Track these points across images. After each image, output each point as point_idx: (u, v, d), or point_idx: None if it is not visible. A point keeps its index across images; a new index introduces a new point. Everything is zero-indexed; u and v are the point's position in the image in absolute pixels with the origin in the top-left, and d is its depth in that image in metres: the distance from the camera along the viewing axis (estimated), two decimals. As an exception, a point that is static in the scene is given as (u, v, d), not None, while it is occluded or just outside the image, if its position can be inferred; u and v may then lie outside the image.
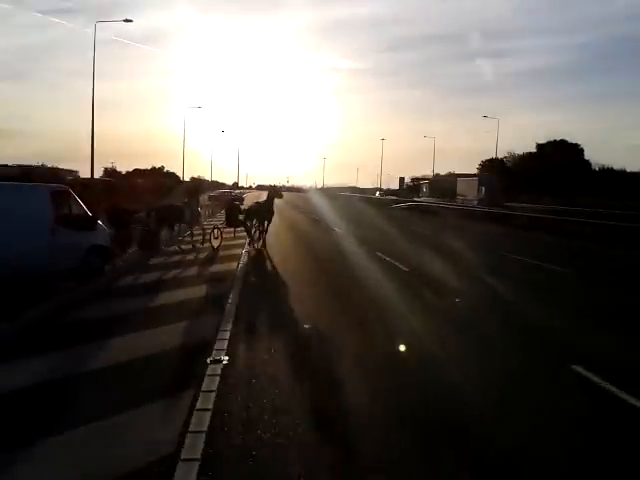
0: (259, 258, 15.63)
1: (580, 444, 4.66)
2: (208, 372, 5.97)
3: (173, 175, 79.58)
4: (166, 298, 10.07)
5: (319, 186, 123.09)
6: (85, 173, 63.51)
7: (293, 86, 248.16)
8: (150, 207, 17.39)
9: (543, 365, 6.73)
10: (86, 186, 31.02)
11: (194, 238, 18.14)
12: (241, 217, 18.19)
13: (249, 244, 17.57)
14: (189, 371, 6.05)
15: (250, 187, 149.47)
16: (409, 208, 49.56)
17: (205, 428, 4.62)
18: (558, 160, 69.10)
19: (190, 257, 15.65)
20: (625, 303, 10.96)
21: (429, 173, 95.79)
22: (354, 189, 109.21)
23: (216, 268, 13.86)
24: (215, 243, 17.23)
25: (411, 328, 8.26)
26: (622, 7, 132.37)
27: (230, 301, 9.65)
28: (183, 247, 17.22)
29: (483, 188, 57.62)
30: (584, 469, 4.29)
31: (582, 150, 79.03)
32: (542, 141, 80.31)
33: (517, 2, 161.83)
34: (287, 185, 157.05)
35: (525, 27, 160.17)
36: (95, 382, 5.79)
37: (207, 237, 17.53)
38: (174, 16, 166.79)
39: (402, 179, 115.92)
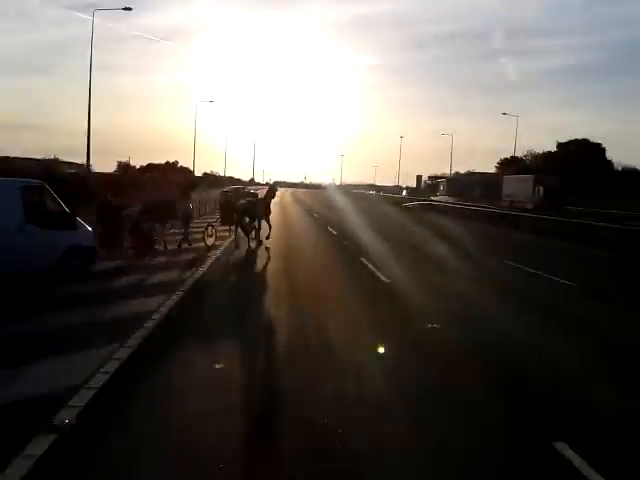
0: (240, 262, 14.57)
1: None
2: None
3: (186, 170, 79.18)
4: (86, 315, 7.96)
5: (337, 183, 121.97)
6: (100, 167, 63.82)
7: (312, 82, 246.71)
8: (141, 203, 16.27)
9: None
10: (84, 181, 30.94)
11: (189, 237, 17.13)
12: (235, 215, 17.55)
13: (234, 241, 17.06)
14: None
15: (267, 183, 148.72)
16: (422, 208, 48.07)
17: None
18: (580, 159, 67.37)
19: (164, 259, 13.97)
20: None
21: (447, 171, 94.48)
22: (372, 187, 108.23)
23: (171, 275, 11.76)
24: (209, 241, 16.57)
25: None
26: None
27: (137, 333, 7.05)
28: (169, 247, 15.74)
29: (541, 188, 50.09)
30: None
31: (604, 150, 77.19)
32: (563, 140, 78.72)
33: (540, 0, 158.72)
34: (305, 182, 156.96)
35: (548, 26, 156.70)
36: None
37: (192, 236, 16.57)
38: (196, 11, 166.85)
39: (419, 177, 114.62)
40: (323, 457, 4.30)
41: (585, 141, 76.37)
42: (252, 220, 17.26)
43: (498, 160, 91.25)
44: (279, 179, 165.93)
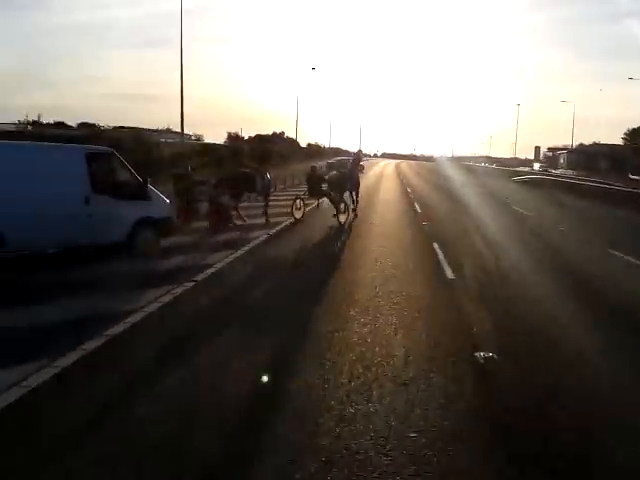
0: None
1: None
2: None
3: (293, 141, 79.72)
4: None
5: (448, 155, 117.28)
6: (212, 138, 65.81)
7: (422, 51, 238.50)
8: (216, 176, 15.63)
9: None
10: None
11: (267, 210, 16.03)
12: (324, 187, 16.64)
13: (334, 216, 15.98)
14: None
15: (375, 155, 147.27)
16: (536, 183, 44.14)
17: None
18: None
19: (236, 234, 13.06)
20: None
21: (568, 142, 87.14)
22: (488, 159, 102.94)
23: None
24: (297, 214, 16.04)
25: None
26: None
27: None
28: (237, 222, 14.74)
29: None
30: None
31: None
32: None
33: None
34: (415, 154, 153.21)
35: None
36: None
37: (268, 211, 15.71)
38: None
39: (537, 148, 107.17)
40: None
41: None
42: (341, 193, 16.48)
43: (625, 130, 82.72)
44: (387, 151, 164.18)
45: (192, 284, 8.30)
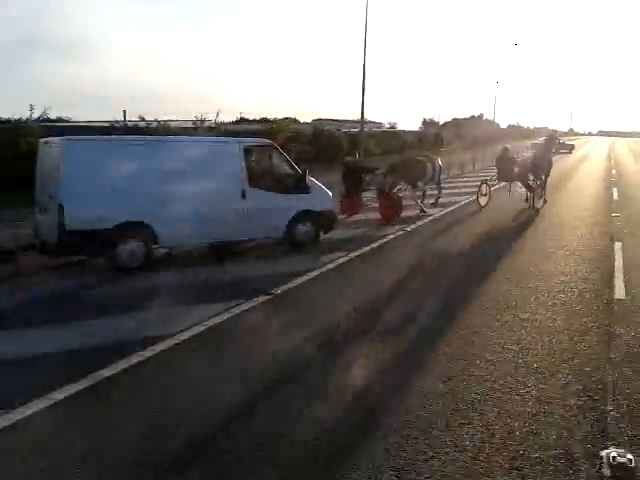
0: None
1: None
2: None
3: (492, 123, 75.41)
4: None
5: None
6: (408, 125, 65.59)
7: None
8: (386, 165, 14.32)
9: None
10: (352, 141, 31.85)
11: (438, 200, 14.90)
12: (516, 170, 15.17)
13: (482, 196, 14.83)
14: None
15: (589, 133, 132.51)
16: None
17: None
18: None
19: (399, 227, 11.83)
20: None
21: None
22: None
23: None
24: (483, 201, 14.88)
25: None
26: None
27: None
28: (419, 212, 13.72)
29: None
30: None
31: None
32: None
33: None
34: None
35: None
36: None
37: (437, 199, 14.71)
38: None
39: None
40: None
41: None
42: (536, 177, 15.11)
43: None
44: (607, 129, 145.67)
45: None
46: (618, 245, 9.69)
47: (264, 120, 36.42)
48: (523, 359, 4.91)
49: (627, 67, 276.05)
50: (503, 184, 15.99)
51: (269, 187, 9.52)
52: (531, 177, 14.95)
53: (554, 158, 18.15)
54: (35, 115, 16.13)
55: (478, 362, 4.80)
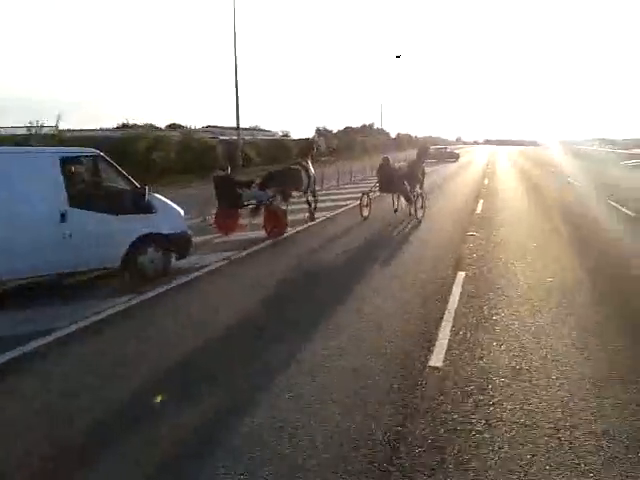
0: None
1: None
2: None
3: (382, 132, 76.39)
4: None
5: (565, 139, 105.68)
6: (300, 134, 64.16)
7: (523, 30, 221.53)
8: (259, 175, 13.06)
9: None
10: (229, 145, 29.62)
11: (313, 211, 13.81)
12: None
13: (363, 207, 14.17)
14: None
15: (476, 142, 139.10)
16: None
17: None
18: None
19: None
20: None
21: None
22: (602, 141, 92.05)
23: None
24: (365, 212, 14.25)
25: None
26: None
27: None
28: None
29: None
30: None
31: None
32: None
33: None
34: (526, 140, 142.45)
35: None
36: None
37: (314, 210, 13.74)
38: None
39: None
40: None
41: None
42: (412, 187, 14.58)
43: None
44: (492, 137, 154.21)
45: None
46: (460, 277, 8.09)
47: (124, 126, 32.90)
48: None
49: (510, 79, 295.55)
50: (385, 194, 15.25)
51: (98, 207, 7.69)
52: (408, 187, 14.39)
53: (439, 167, 16.80)
54: None
55: None
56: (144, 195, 8.02)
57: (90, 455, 3.69)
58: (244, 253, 9.79)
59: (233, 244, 10.55)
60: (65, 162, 7.56)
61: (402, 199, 14.66)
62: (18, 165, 7.27)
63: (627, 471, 3.50)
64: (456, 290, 7.34)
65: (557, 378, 4.74)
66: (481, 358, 5.12)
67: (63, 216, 7.23)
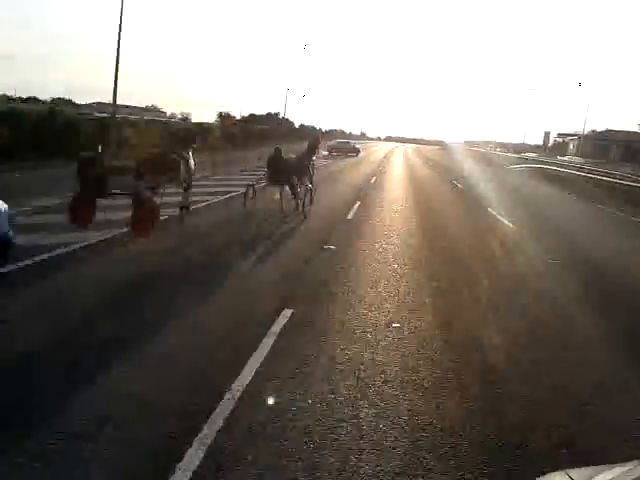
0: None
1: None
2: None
3: (287, 121, 74.31)
4: None
5: (460, 140, 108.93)
6: (203, 117, 58.54)
7: (430, 30, 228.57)
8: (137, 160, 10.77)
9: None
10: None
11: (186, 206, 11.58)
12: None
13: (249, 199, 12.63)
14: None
15: (378, 138, 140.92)
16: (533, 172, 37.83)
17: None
18: None
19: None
20: None
21: (580, 129, 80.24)
22: (498, 144, 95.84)
23: None
24: (249, 204, 12.77)
25: None
26: None
27: None
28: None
29: None
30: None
31: None
32: None
33: None
34: (425, 139, 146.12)
35: None
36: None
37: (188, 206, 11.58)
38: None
39: (547, 134, 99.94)
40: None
41: None
42: (301, 180, 13.52)
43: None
44: (394, 135, 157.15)
45: None
46: (284, 317, 5.94)
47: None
48: None
49: (419, 79, 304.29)
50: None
51: None
52: (296, 181, 13.14)
53: (332, 162, 15.22)
54: None
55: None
56: None
57: None
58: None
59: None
60: None
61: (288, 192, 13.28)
62: None
63: None
64: (267, 342, 5.27)
65: None
66: None
67: None
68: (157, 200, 10.33)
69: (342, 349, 5.21)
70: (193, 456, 3.37)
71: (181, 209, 11.33)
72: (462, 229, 12.77)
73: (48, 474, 3.17)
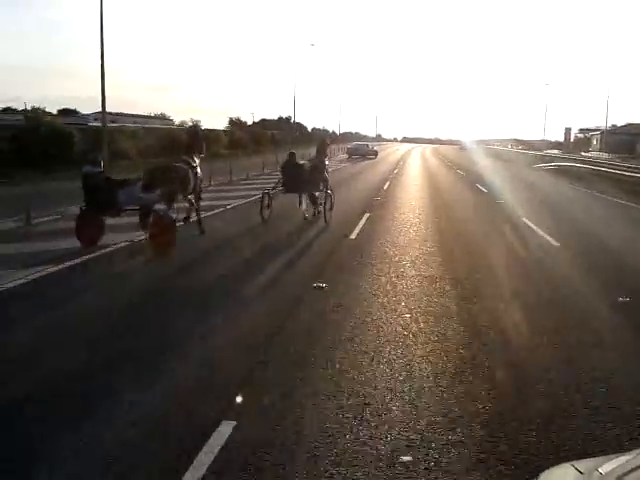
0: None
1: None
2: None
3: (298, 125, 71.94)
4: None
5: (476, 139, 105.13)
6: (214, 124, 57.51)
7: (443, 28, 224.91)
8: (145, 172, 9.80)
9: None
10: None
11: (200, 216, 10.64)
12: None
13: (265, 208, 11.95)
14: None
15: (395, 139, 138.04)
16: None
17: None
18: None
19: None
20: None
21: (600, 124, 76.48)
22: (516, 142, 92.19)
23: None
24: (266, 214, 12.07)
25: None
26: None
27: None
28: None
29: None
30: None
31: None
32: None
33: None
34: (440, 139, 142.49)
35: None
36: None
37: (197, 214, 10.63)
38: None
39: (568, 130, 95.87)
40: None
41: None
42: (316, 185, 12.99)
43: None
44: (410, 135, 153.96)
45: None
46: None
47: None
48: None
49: (431, 78, 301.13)
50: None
51: None
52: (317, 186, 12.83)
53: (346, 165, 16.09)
54: None
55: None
56: None
57: None
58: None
59: None
60: None
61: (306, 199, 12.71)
62: None
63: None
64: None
65: None
66: None
67: None
68: (174, 213, 9.50)
69: None
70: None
71: (198, 220, 10.53)
72: (493, 248, 10.10)
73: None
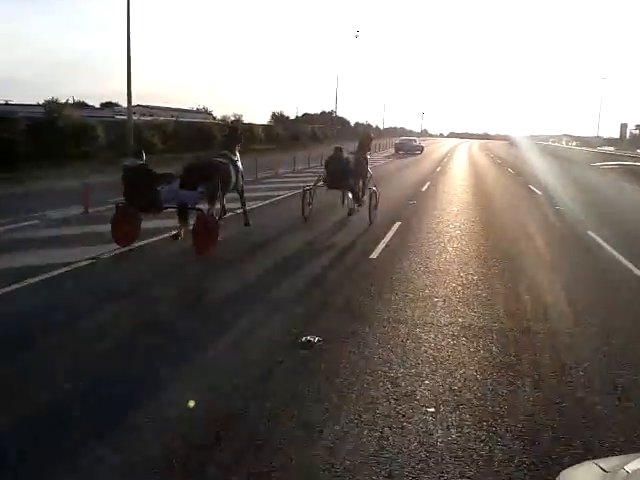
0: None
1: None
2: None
3: (340, 119, 69.70)
4: None
5: (526, 134, 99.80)
6: (258, 119, 56.60)
7: (492, 22, 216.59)
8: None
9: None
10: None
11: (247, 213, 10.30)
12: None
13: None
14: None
15: (441, 134, 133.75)
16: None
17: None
18: None
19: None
20: None
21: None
22: (573, 138, 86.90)
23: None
24: (306, 211, 11.37)
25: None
26: None
27: None
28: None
29: None
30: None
31: None
32: None
33: None
34: (489, 134, 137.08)
35: None
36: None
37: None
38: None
39: (624, 126, 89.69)
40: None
41: None
42: (361, 181, 12.34)
43: None
44: (457, 130, 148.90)
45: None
46: None
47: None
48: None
49: (480, 71, 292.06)
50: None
51: None
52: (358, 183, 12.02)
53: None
54: None
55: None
56: None
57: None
58: None
59: None
60: None
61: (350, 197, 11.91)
62: None
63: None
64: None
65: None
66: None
67: None
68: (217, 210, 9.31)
69: None
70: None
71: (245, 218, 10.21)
72: (554, 273, 7.67)
73: None
